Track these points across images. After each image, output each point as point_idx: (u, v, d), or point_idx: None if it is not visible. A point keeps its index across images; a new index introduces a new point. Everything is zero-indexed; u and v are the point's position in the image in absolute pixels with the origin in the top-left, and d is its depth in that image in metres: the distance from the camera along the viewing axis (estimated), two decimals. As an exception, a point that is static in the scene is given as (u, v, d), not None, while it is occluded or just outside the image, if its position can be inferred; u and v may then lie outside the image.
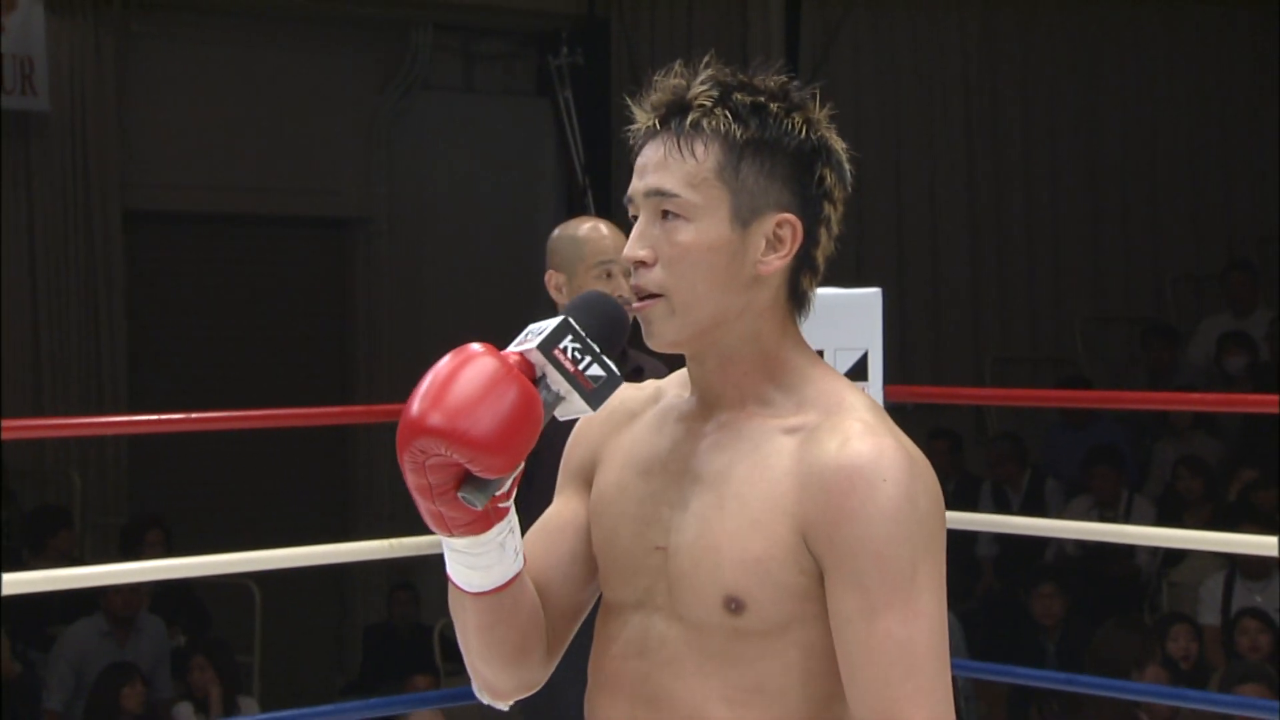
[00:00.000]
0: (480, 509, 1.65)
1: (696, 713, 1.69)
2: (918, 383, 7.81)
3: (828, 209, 1.72)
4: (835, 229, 1.73)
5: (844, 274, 5.52)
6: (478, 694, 1.84)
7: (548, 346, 1.64)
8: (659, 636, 1.71)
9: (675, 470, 1.73)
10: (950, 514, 5.35)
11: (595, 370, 1.65)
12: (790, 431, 1.68)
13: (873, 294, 3.73)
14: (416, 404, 1.61)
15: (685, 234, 1.68)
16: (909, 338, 8.97)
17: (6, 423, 3.38)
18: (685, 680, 1.70)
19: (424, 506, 1.66)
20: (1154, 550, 7.27)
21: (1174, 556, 7.21)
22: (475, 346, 1.64)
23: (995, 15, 9.47)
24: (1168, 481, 7.84)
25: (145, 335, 8.08)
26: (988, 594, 7.72)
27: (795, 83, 1.73)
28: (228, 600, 7.32)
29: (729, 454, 1.70)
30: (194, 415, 3.89)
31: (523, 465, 1.66)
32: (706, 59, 1.74)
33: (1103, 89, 9.72)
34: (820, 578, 1.65)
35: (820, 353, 3.67)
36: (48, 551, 6.80)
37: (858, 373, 3.68)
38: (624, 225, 1.85)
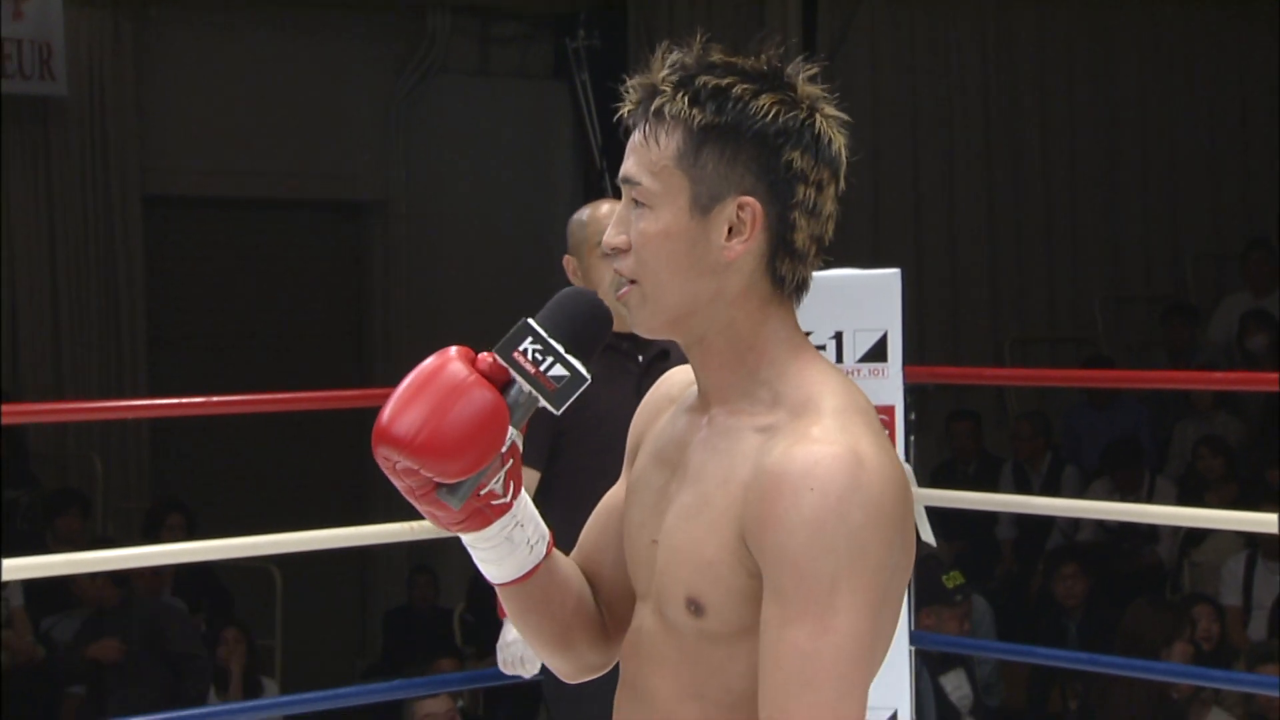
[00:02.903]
0: (459, 509, 1.67)
1: (670, 709, 1.70)
2: (936, 363, 7.79)
3: (802, 191, 1.66)
4: (823, 210, 1.68)
5: (861, 256, 5.52)
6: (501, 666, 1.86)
7: (507, 350, 1.66)
8: (648, 631, 1.73)
9: (674, 463, 1.73)
10: (970, 495, 5.33)
11: (557, 370, 1.66)
12: (760, 431, 1.66)
13: (892, 274, 3.71)
14: (383, 412, 1.64)
15: (647, 222, 1.68)
16: (927, 318, 8.95)
17: (6, 407, 3.38)
18: (662, 676, 1.71)
19: (417, 507, 1.69)
20: (1175, 531, 7.25)
21: (1195, 537, 7.19)
22: (451, 351, 1.67)
23: (1013, -6, 9.44)
24: (1189, 461, 7.82)
25: (164, 319, 8.10)
26: (1007, 575, 7.71)
27: (796, 60, 1.68)
28: (248, 584, 7.34)
29: (709, 452, 1.69)
30: (212, 399, 3.89)
31: (511, 462, 1.69)
32: (699, 39, 1.70)
33: (1120, 66, 9.68)
34: None
35: (839, 334, 3.70)
36: (57, 534, 6.83)
37: (877, 354, 3.67)
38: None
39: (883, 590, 1.60)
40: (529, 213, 8.77)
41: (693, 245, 1.66)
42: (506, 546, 1.73)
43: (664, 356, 3.47)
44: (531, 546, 1.74)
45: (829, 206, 1.68)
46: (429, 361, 1.67)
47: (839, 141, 1.69)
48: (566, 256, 3.64)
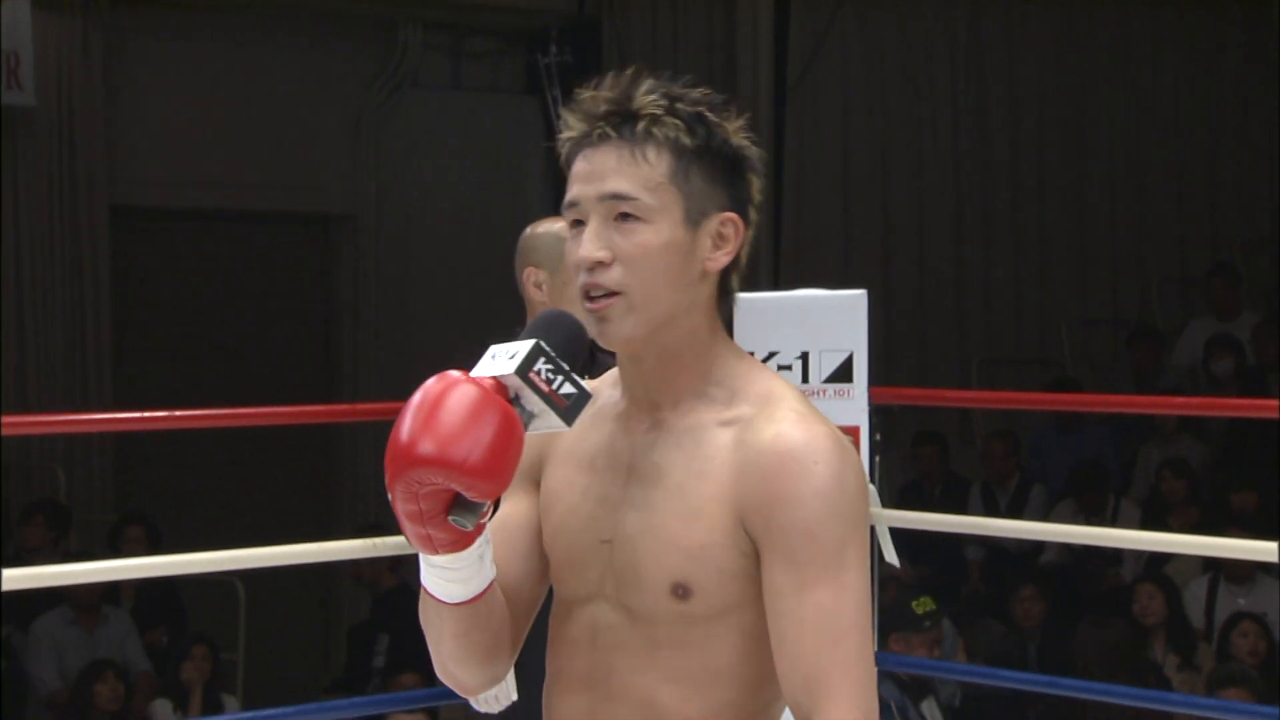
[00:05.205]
0: (471, 530, 1.73)
1: (646, 697, 1.79)
2: (902, 385, 7.80)
3: (753, 213, 1.85)
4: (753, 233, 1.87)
5: (829, 275, 5.53)
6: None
7: (524, 370, 1.73)
8: (608, 626, 1.82)
9: (618, 466, 1.84)
10: (937, 516, 5.29)
11: (568, 388, 1.75)
12: (726, 424, 1.80)
13: (858, 295, 3.72)
14: (406, 433, 1.69)
15: (644, 235, 1.80)
16: (894, 339, 8.98)
17: (7, 418, 3.37)
18: (634, 667, 1.80)
19: (412, 530, 1.73)
20: (1138, 553, 7.27)
21: (1158, 559, 7.21)
22: (454, 373, 1.73)
23: (983, 17, 9.48)
24: (1152, 484, 7.85)
25: (130, 331, 8.07)
26: (974, 596, 7.72)
27: (712, 94, 1.85)
28: (212, 598, 7.30)
29: (669, 449, 1.81)
30: (179, 413, 3.87)
31: None
32: (633, 69, 1.83)
33: (1090, 91, 9.73)
34: (758, 559, 1.76)
35: (805, 354, 3.71)
36: (25, 544, 6.80)
37: (842, 374, 3.67)
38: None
39: (867, 551, 1.78)
40: (499, 227, 8.74)
41: (685, 256, 1.81)
42: (477, 565, 1.78)
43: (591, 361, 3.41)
44: (491, 562, 1.80)
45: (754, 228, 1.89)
46: (440, 382, 1.72)
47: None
48: (530, 269, 3.58)
